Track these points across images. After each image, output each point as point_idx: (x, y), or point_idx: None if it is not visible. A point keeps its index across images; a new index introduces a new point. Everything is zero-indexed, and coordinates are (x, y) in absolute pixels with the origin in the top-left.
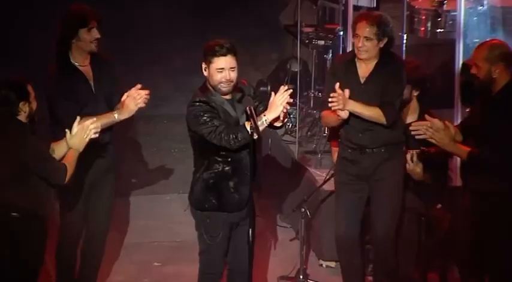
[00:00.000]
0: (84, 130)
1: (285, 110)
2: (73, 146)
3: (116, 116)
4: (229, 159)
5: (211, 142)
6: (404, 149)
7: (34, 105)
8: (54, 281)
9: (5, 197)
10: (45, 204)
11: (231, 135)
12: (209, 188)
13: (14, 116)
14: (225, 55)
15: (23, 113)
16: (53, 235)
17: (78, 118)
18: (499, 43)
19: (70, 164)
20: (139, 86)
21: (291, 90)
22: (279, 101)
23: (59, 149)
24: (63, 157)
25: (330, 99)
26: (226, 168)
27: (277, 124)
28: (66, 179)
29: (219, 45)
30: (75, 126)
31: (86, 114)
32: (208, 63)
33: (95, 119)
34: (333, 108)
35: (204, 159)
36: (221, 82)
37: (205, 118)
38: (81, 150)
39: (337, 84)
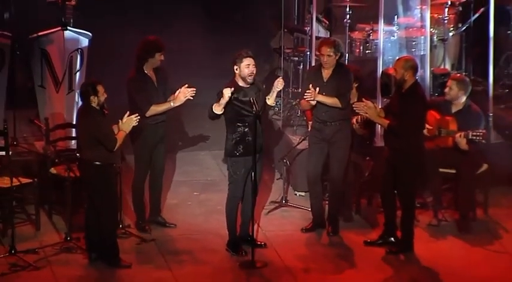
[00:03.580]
0: (130, 120)
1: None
2: (123, 129)
3: (172, 104)
4: (246, 124)
5: None
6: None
7: (102, 98)
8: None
9: (88, 154)
10: (115, 156)
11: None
12: (237, 141)
13: (89, 104)
14: (250, 57)
15: (94, 103)
16: (125, 180)
17: (127, 113)
18: (411, 58)
19: (120, 139)
20: (187, 85)
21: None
22: (276, 85)
23: (115, 130)
24: (117, 134)
25: (305, 95)
26: (245, 129)
27: (270, 103)
28: (115, 148)
29: (245, 52)
30: (125, 118)
31: (155, 102)
32: (240, 63)
33: (136, 114)
34: (306, 100)
35: (231, 125)
36: (249, 74)
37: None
38: (127, 132)
39: (311, 86)
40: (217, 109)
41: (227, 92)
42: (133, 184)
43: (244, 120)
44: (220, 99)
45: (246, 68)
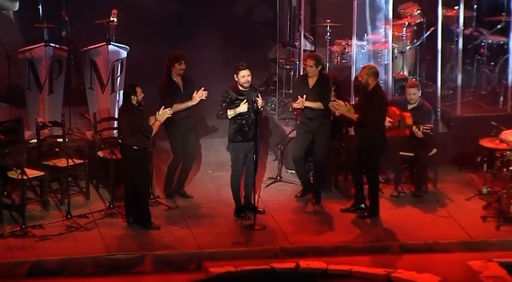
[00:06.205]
0: (165, 112)
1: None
2: (159, 119)
3: (189, 103)
4: (244, 117)
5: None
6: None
7: (140, 97)
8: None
9: (128, 140)
10: (149, 142)
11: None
12: (236, 130)
13: (130, 102)
14: (245, 69)
15: (134, 100)
16: (155, 161)
17: (162, 107)
18: (373, 66)
19: (155, 127)
20: (202, 88)
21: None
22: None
23: (151, 120)
24: (153, 124)
25: (294, 104)
26: (243, 121)
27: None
28: (151, 135)
29: (242, 65)
30: (161, 110)
31: (177, 102)
32: (237, 74)
33: (171, 108)
34: (296, 107)
35: (233, 117)
36: (244, 83)
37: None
38: (162, 121)
39: (299, 96)
40: (231, 114)
41: (244, 107)
42: (169, 166)
43: (243, 115)
44: (236, 107)
45: (242, 78)
